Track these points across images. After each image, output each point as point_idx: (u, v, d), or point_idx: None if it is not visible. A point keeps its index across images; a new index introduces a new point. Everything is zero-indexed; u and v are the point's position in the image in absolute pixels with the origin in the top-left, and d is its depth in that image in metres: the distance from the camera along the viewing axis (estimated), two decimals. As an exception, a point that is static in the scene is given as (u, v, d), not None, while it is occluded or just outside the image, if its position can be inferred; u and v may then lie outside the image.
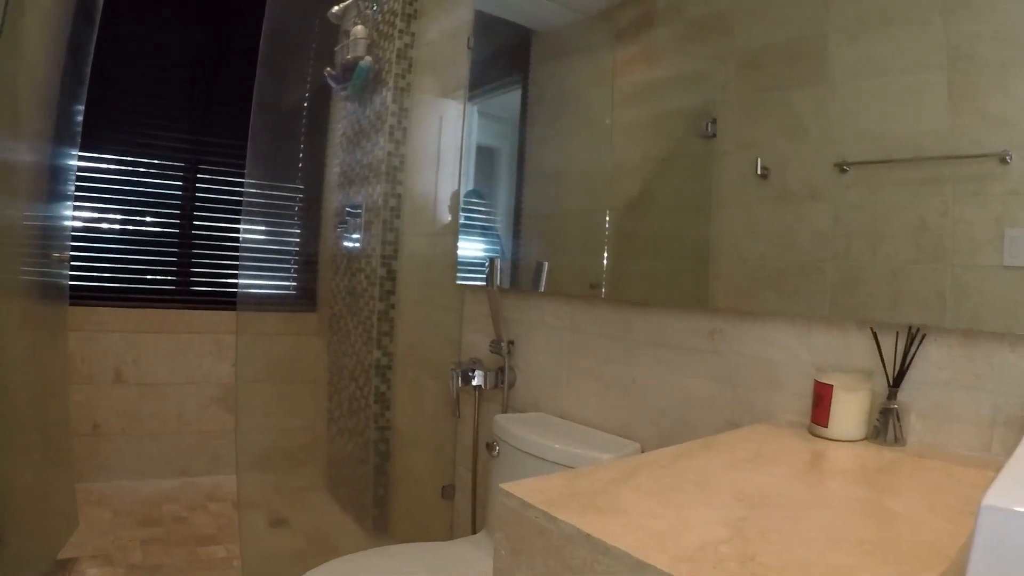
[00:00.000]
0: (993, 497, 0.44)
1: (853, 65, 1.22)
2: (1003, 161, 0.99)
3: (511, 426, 1.35)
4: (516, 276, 1.89)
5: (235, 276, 2.68)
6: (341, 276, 2.08)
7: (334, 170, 2.21)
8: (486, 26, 2.01)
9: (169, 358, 2.50)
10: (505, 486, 0.65)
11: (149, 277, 2.57)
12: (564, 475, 0.71)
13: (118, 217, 2.51)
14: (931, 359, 0.90)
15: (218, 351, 2.58)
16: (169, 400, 2.52)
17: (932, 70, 1.10)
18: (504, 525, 0.65)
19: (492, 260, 1.54)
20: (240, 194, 2.65)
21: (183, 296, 2.62)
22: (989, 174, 1.01)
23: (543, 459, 1.25)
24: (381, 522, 1.89)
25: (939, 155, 1.07)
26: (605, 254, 1.62)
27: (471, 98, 1.95)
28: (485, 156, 1.99)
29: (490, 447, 1.37)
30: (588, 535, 0.55)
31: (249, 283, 2.17)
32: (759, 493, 0.69)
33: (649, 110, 1.63)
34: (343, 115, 2.14)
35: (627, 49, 1.69)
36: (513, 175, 1.99)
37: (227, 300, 2.68)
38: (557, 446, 1.25)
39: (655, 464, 0.77)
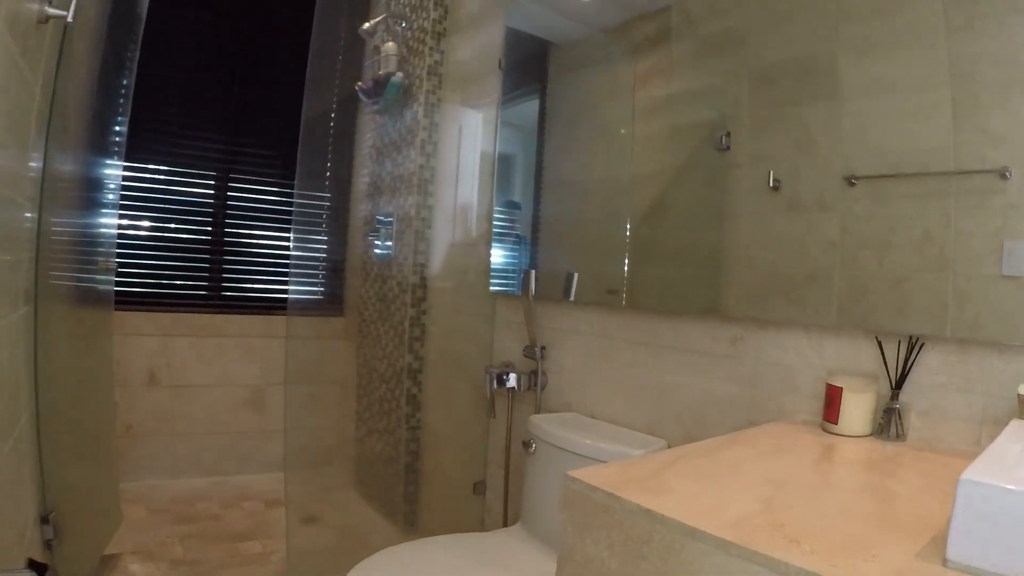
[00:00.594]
0: (970, 473, 0.60)
1: (862, 82, 1.33)
2: (1003, 176, 1.09)
3: (546, 425, 1.51)
4: (537, 284, 2.02)
5: (264, 281, 2.85)
6: (371, 282, 2.23)
7: (363, 180, 2.36)
8: (505, 37, 2.14)
9: (201, 361, 2.66)
10: (572, 473, 0.80)
11: (181, 283, 2.73)
12: (618, 464, 0.87)
13: (151, 224, 2.67)
14: (929, 365, 1.06)
15: (248, 354, 2.74)
16: (200, 402, 2.68)
17: (937, 89, 1.20)
18: (570, 507, 0.80)
19: (527, 272, 1.70)
20: (269, 202, 2.82)
21: (214, 301, 2.79)
22: (990, 188, 1.11)
23: (577, 454, 1.41)
24: (411, 518, 2.04)
25: (943, 170, 1.18)
26: (626, 261, 1.75)
27: (487, 106, 2.09)
28: (501, 162, 2.13)
29: (526, 445, 1.53)
30: (648, 510, 0.71)
31: (297, 289, 2.32)
32: (782, 478, 0.85)
33: (665, 122, 1.75)
34: (371, 127, 2.29)
35: (644, 63, 1.82)
36: (528, 181, 2.14)
37: (256, 305, 2.86)
38: (589, 442, 1.41)
39: (692, 455, 0.93)
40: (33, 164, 1.49)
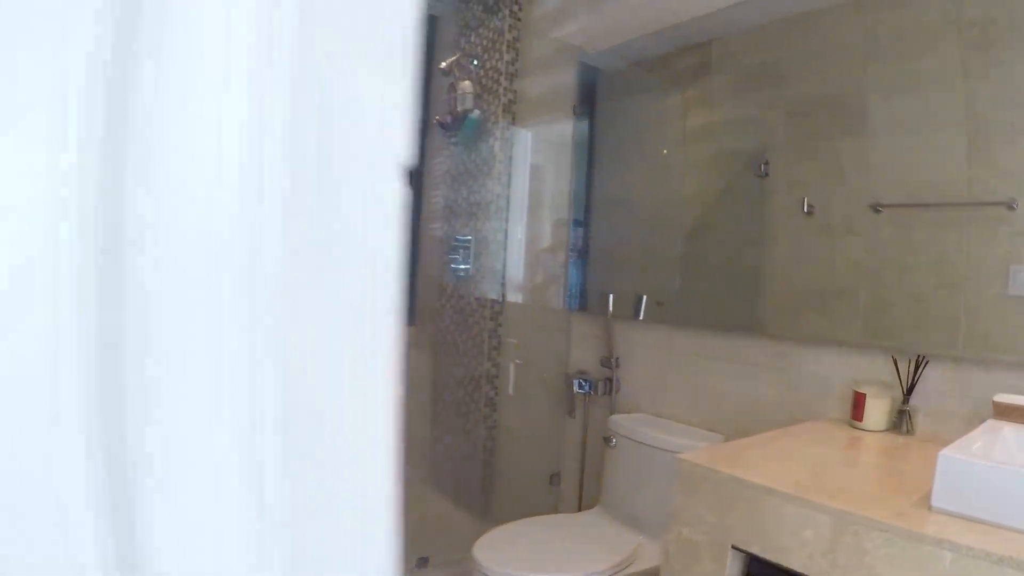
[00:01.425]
0: (946, 451, 1.04)
1: (888, 119, 1.63)
2: (1010, 208, 1.38)
3: (625, 423, 1.98)
4: (585, 300, 2.43)
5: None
6: (448, 296, 2.67)
7: (435, 202, 2.78)
8: (577, 84, 2.51)
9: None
10: (681, 456, 1.26)
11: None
12: (707, 449, 1.34)
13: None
14: (932, 377, 1.50)
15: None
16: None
17: (954, 127, 1.50)
18: (681, 477, 1.25)
19: (605, 294, 2.16)
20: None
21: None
22: (998, 218, 1.42)
23: (653, 447, 1.87)
24: (487, 508, 2.49)
25: (958, 201, 1.49)
26: (678, 277, 2.13)
27: (531, 125, 2.48)
28: (537, 173, 2.52)
29: (607, 440, 2.00)
30: (737, 477, 1.17)
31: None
32: (822, 459, 1.31)
33: (709, 149, 2.09)
34: (443, 154, 2.71)
35: (688, 92, 2.15)
36: (576, 199, 2.49)
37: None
38: (662, 437, 1.87)
39: (756, 443, 1.39)
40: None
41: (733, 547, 1.16)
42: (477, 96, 2.44)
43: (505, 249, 2.37)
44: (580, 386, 2.20)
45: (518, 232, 2.38)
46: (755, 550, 1.13)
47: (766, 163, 1.88)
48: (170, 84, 0.24)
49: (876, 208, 1.62)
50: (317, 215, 0.27)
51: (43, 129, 0.23)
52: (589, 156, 2.51)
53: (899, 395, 1.52)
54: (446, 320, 2.66)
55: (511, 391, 2.28)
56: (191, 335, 0.25)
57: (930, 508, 1.02)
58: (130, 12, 0.24)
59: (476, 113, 2.41)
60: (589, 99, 2.53)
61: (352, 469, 0.30)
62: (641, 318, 2.10)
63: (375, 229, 0.29)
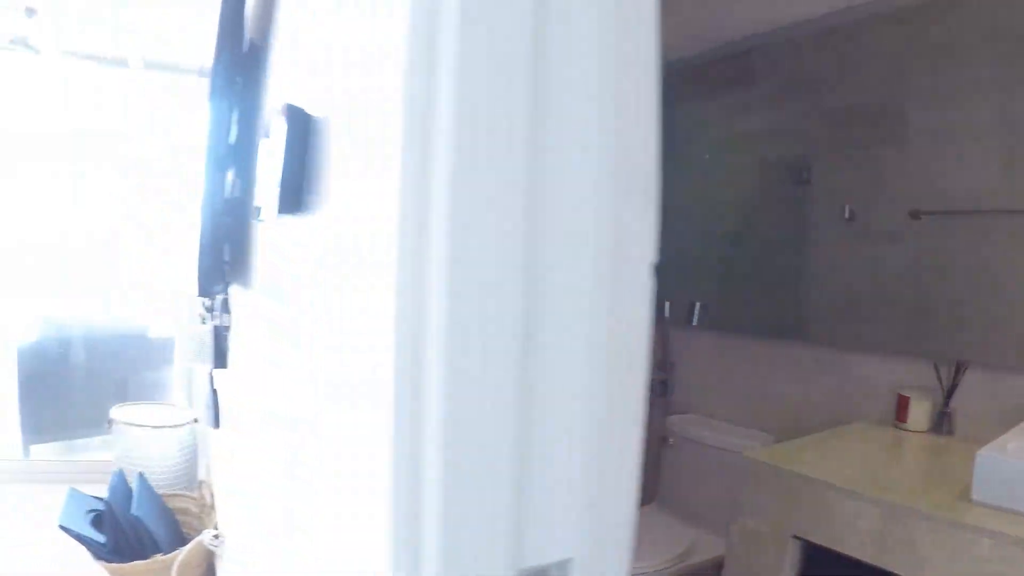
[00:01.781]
0: (983, 450, 1.22)
1: (927, 128, 1.70)
2: None
3: (681, 424, 2.17)
4: None
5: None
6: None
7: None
8: None
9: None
10: (747, 453, 1.44)
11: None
12: (768, 448, 1.53)
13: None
14: (970, 382, 1.65)
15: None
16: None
17: (991, 137, 1.58)
18: (751, 474, 1.43)
19: (661, 300, 2.34)
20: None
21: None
22: None
23: (709, 446, 2.05)
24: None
25: (995, 208, 1.57)
26: (721, 283, 2.26)
27: None
28: None
29: (664, 440, 2.19)
30: (799, 473, 1.35)
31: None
32: (871, 456, 1.49)
33: (752, 156, 2.18)
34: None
35: (730, 99, 2.24)
36: None
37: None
38: (715, 435, 2.06)
39: (811, 443, 1.58)
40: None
41: (794, 536, 1.34)
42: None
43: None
44: (636, 389, 2.39)
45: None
46: (814, 539, 1.31)
47: (808, 170, 1.98)
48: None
49: (916, 215, 1.71)
50: (614, 298, 0.48)
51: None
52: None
53: (940, 398, 1.68)
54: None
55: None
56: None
57: (971, 501, 1.19)
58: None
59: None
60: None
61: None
62: (695, 324, 2.28)
63: (640, 308, 0.49)
